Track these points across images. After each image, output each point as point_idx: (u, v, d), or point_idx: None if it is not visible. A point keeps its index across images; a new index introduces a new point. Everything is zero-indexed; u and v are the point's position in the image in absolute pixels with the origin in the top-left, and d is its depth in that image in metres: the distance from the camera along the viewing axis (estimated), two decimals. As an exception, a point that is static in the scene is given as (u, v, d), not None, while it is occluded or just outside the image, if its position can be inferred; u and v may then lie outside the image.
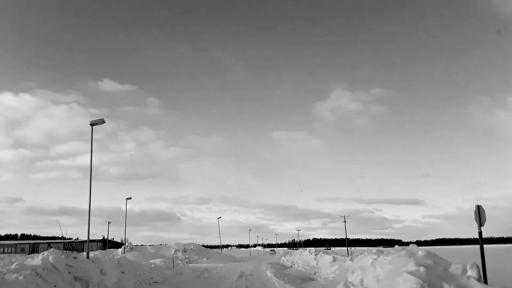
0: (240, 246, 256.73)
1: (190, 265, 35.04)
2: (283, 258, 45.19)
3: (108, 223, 56.34)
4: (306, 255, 25.14)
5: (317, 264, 21.57)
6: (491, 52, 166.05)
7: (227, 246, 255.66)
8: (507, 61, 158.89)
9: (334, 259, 19.91)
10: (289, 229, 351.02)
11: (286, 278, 16.36)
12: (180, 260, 42.95)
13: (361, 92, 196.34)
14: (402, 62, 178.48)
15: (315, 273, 19.31)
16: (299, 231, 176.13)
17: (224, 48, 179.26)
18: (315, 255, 23.34)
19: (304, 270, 21.04)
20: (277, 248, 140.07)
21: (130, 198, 36.15)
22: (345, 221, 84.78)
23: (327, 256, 21.34)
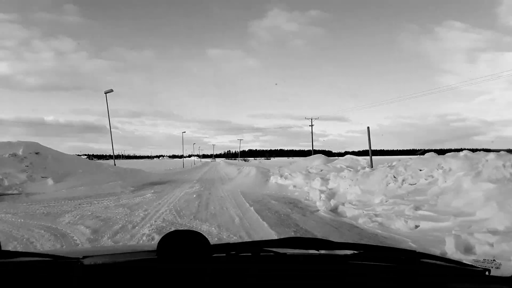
0: (173, 156, 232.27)
1: None
2: (274, 180, 17.13)
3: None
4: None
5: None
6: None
7: (159, 156, 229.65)
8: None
9: None
10: (223, 142, 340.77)
11: None
12: None
13: (299, 13, 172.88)
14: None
15: None
16: (241, 140, 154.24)
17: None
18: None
19: None
20: (217, 158, 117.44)
21: None
22: (312, 125, 58.88)
23: None
